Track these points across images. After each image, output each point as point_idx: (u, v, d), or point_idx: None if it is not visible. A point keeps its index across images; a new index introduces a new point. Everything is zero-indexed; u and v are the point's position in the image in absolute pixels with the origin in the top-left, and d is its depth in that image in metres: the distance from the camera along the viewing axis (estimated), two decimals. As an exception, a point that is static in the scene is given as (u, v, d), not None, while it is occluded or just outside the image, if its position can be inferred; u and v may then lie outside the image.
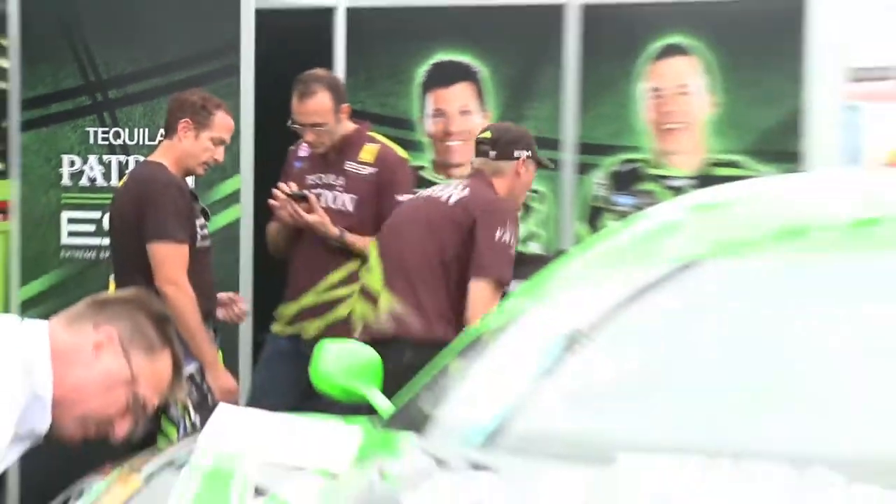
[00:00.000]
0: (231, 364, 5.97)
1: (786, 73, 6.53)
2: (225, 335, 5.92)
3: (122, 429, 2.83)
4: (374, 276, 5.67)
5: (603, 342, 3.34)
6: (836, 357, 3.03)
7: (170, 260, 5.37)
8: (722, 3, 7.28)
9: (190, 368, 5.26)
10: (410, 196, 6.11)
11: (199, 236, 5.39)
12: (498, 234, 5.44)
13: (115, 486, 3.01)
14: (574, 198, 6.83)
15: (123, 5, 7.12)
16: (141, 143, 6.66)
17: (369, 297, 5.59)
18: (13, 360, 2.84)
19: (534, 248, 6.86)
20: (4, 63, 7.07)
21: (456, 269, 5.24)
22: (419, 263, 5.55)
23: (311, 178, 6.11)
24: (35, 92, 6.87)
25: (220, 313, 5.53)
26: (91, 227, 6.67)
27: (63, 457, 3.58)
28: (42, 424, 2.76)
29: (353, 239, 5.96)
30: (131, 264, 5.45)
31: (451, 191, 5.50)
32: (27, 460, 4.53)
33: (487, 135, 5.86)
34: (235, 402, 5.56)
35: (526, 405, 3.22)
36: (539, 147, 6.12)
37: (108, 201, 6.10)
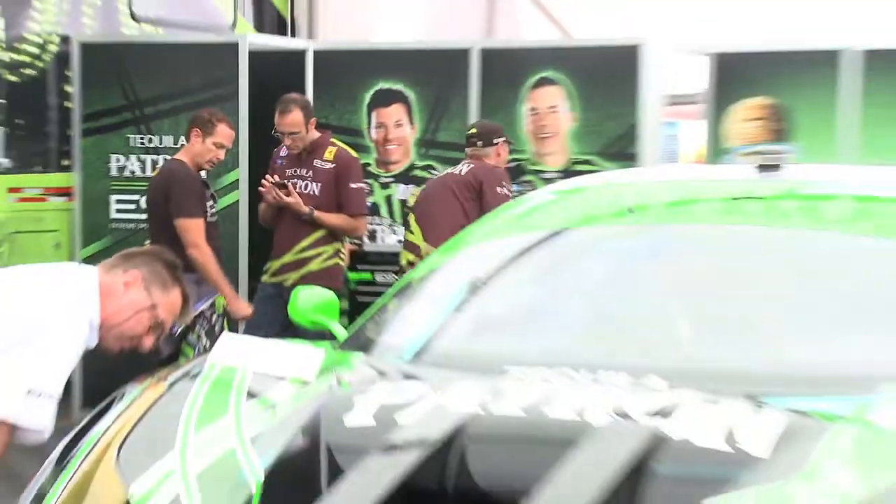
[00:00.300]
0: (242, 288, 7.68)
1: (625, 98, 8.02)
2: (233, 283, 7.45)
3: (147, 343, 3.66)
4: (415, 234, 7.30)
5: (497, 287, 4.10)
6: (660, 295, 3.87)
7: (191, 230, 6.60)
8: (579, 49, 9.15)
9: (203, 306, 6.72)
10: (362, 184, 7.59)
11: (209, 213, 6.75)
12: (499, 189, 7.12)
13: (147, 390, 3.52)
14: None
15: (154, 49, 8.92)
16: (167, 146, 8.15)
17: (412, 248, 7.23)
18: (73, 293, 3.61)
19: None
20: (69, 88, 8.61)
21: (474, 218, 6.54)
22: (446, 218, 7.05)
23: (289, 172, 7.32)
24: (91, 109, 8.41)
25: None
26: (132, 206, 8.24)
27: (110, 369, 4.54)
28: (92, 342, 3.53)
29: (319, 215, 7.18)
30: (160, 232, 6.70)
31: (461, 167, 7.08)
32: (86, 368, 4.96)
33: (474, 131, 7.52)
34: (236, 331, 6.92)
35: (442, 332, 3.88)
36: (449, 150, 8.16)
37: (144, 188, 7.59)
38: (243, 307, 7.14)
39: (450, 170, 7.54)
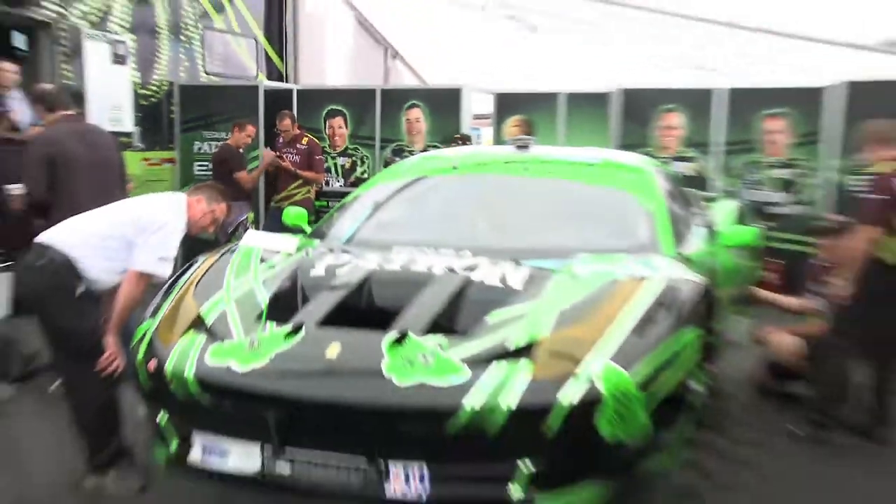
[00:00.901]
0: (258, 218, 10.99)
1: (453, 115, 11.62)
2: (255, 208, 11.01)
3: (211, 229, 5.22)
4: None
5: (388, 205, 5.85)
6: (469, 209, 5.71)
7: (241, 178, 10.01)
8: (431, 89, 12.93)
9: (242, 218, 9.91)
10: (321, 157, 10.59)
11: (246, 169, 9.99)
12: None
13: (210, 257, 4.82)
14: (380, 158, 11.90)
15: (216, 88, 12.75)
16: (220, 138, 11.73)
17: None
18: (174, 205, 4.98)
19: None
20: (173, 107, 12.07)
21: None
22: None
23: (283, 150, 10.51)
24: (185, 118, 12.33)
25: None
26: (204, 167, 11.88)
27: (195, 249, 5.83)
28: (184, 230, 4.88)
29: (299, 172, 10.34)
30: (217, 179, 9.14)
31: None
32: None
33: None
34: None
35: (360, 229, 5.50)
36: (365, 141, 11.62)
37: (209, 159, 11.28)
38: None
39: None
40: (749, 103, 10.73)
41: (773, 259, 8.31)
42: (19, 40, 10.22)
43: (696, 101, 10.92)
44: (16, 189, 6.80)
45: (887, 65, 9.38)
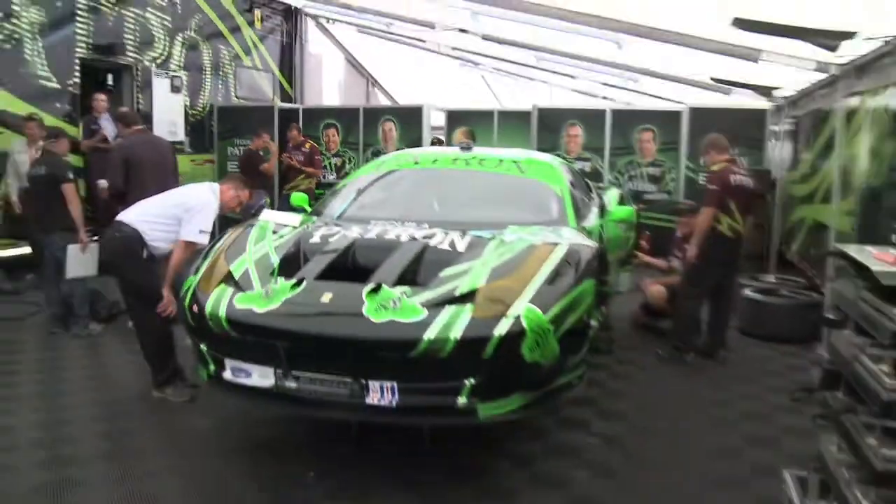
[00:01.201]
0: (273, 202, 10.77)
1: (416, 127, 11.57)
2: (271, 195, 10.78)
3: (238, 209, 5.29)
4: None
5: (368, 191, 5.66)
6: (426, 193, 5.56)
7: (267, 168, 10.28)
8: (400, 107, 12.64)
9: (262, 201, 8.56)
10: (320, 157, 10.55)
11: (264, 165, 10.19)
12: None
13: (237, 229, 4.72)
14: (363, 159, 11.65)
15: (243, 109, 12.58)
16: (245, 143, 11.71)
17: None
18: (211, 191, 5.10)
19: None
20: (213, 123, 12.04)
21: None
22: None
23: (291, 152, 10.51)
24: (221, 129, 12.56)
25: None
26: (234, 164, 11.91)
27: (225, 224, 5.41)
28: (217, 211, 5.02)
29: (304, 169, 10.33)
30: (244, 172, 9.24)
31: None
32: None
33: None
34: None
35: (348, 208, 5.37)
36: (351, 146, 11.50)
37: (237, 159, 11.39)
38: None
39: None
40: (629, 120, 10.98)
41: (646, 231, 8.29)
42: (110, 78, 10.81)
43: (592, 118, 11.15)
44: (102, 183, 7.28)
45: (716, 97, 9.76)
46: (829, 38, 5.97)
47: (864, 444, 2.19)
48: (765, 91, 9.62)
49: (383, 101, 17.51)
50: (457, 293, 3.71)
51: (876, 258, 2.35)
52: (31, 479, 3.82)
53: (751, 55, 6.98)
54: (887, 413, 2.10)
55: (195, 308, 3.96)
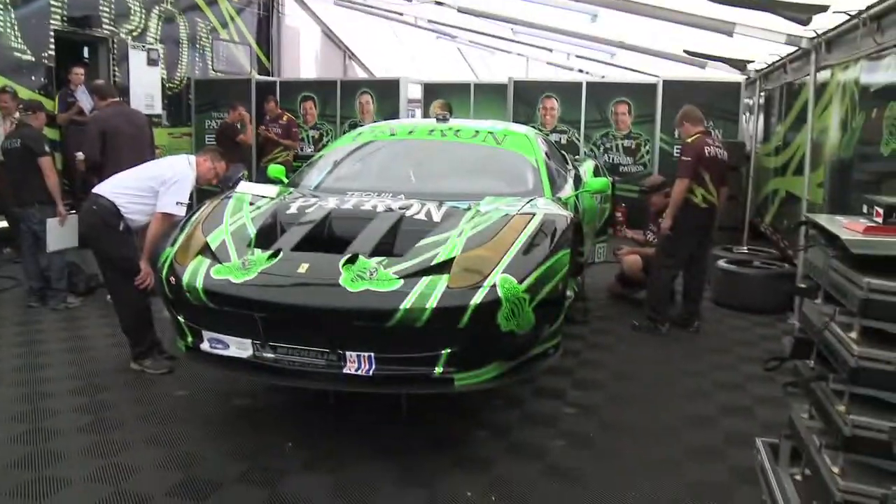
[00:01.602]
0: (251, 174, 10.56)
1: (393, 99, 11.48)
2: (249, 167, 10.55)
3: (215, 181, 5.28)
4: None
5: (345, 162, 5.66)
6: (403, 164, 5.54)
7: (244, 139, 10.24)
8: (377, 80, 12.51)
9: (239, 174, 8.79)
10: (297, 129, 10.50)
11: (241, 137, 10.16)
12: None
13: (213, 200, 4.68)
14: (340, 132, 11.50)
15: (221, 81, 12.36)
16: (222, 116, 11.48)
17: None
18: (188, 163, 5.03)
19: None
20: (191, 95, 11.91)
21: None
22: None
23: (270, 125, 10.57)
24: (198, 103, 12.39)
25: None
26: (212, 137, 11.65)
27: (202, 196, 5.77)
28: (194, 183, 4.96)
29: (281, 140, 10.40)
30: (220, 143, 9.91)
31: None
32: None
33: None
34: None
35: (324, 179, 5.36)
36: (329, 119, 11.40)
37: (214, 132, 11.17)
38: None
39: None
40: (604, 93, 10.99)
41: (621, 203, 8.34)
42: (85, 51, 10.92)
43: (567, 91, 11.14)
44: (80, 156, 7.18)
45: (691, 70, 9.87)
46: (801, 12, 6.00)
47: (833, 410, 2.21)
48: (739, 64, 9.69)
49: (360, 74, 17.35)
50: (433, 263, 3.69)
51: (846, 228, 2.35)
52: (10, 452, 3.79)
53: (725, 28, 6.99)
54: (855, 379, 2.11)
55: (172, 280, 3.92)
